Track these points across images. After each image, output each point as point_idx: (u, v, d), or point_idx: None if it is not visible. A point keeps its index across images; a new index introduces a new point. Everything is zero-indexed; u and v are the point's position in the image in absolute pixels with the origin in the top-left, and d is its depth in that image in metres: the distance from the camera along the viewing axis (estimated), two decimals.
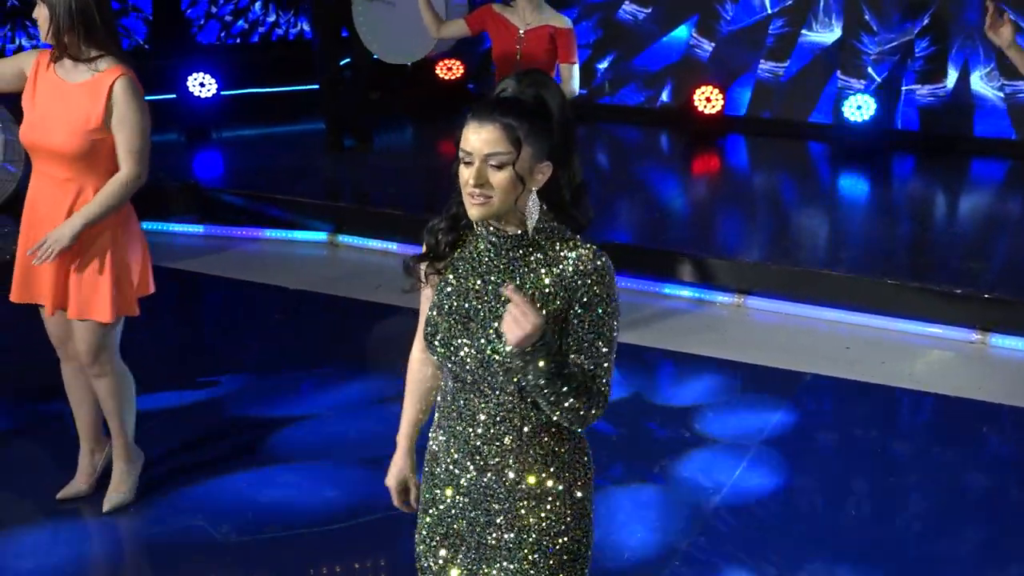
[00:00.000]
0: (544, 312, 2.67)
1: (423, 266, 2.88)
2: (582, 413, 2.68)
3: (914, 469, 5.35)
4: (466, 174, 2.67)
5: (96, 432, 4.99)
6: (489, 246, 2.77)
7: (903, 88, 9.48)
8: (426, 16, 6.49)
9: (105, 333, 4.65)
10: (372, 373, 6.13)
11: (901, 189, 9.10)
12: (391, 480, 3.11)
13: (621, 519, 4.90)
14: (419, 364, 3.07)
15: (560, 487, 2.81)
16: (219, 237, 8.21)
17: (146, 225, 7.92)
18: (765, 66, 9.88)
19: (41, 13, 4.39)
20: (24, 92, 4.47)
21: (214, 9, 10.49)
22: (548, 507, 2.81)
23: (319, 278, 7.41)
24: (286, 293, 7.22)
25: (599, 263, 2.70)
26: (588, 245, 2.73)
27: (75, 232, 4.38)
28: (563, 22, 6.19)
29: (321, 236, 7.99)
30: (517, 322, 2.52)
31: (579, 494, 2.84)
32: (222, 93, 9.85)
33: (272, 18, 10.71)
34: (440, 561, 2.92)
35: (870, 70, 9.48)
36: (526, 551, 2.82)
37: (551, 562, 2.82)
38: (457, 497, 2.86)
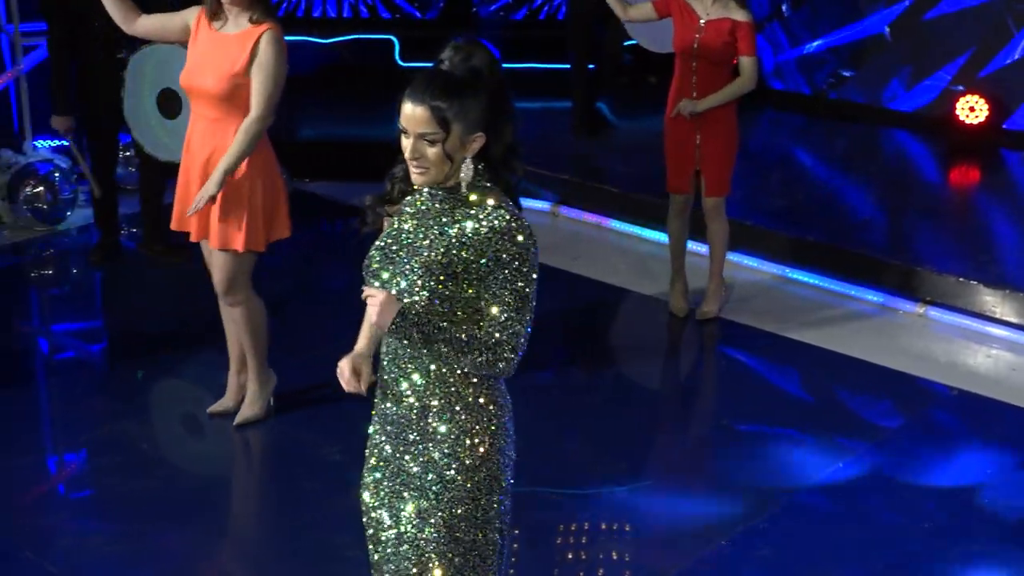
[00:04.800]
0: (454, 258, 3.01)
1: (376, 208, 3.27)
2: (480, 365, 3.02)
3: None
4: (404, 145, 3.05)
5: (243, 355, 5.58)
6: (427, 196, 3.14)
7: None
8: (612, 3, 6.59)
9: (240, 264, 5.24)
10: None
11: None
12: (343, 361, 3.25)
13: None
14: None
15: (460, 431, 3.11)
16: None
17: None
18: None
19: None
20: (189, 43, 5.11)
21: None
22: (449, 448, 3.11)
23: None
24: None
25: (513, 225, 3.01)
26: (511, 209, 3.04)
27: (218, 183, 4.96)
28: (744, 15, 6.25)
29: (545, 205, 8.48)
30: (373, 308, 3.01)
31: (478, 440, 3.12)
32: None
33: None
34: (372, 482, 3.28)
35: None
36: (433, 488, 3.13)
37: (449, 500, 3.11)
38: (385, 426, 3.24)
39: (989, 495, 5.26)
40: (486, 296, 3.04)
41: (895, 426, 5.82)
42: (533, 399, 5.80)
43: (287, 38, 5.11)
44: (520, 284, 3.02)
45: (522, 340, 3.05)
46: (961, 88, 9.62)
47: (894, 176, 9.15)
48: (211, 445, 5.62)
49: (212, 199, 4.98)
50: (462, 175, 3.05)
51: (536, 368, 6.00)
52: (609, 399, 6.07)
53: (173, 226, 5.34)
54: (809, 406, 6.05)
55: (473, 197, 3.07)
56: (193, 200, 5.13)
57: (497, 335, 3.03)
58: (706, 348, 6.84)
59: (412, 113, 3.00)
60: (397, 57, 10.73)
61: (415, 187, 3.16)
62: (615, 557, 4.78)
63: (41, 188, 7.75)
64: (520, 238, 3.01)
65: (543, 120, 9.68)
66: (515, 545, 4.69)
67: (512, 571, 4.58)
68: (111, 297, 7.34)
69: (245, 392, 5.61)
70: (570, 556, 4.80)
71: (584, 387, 6.15)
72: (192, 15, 5.12)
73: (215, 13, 5.03)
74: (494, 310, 3.03)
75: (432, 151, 3.00)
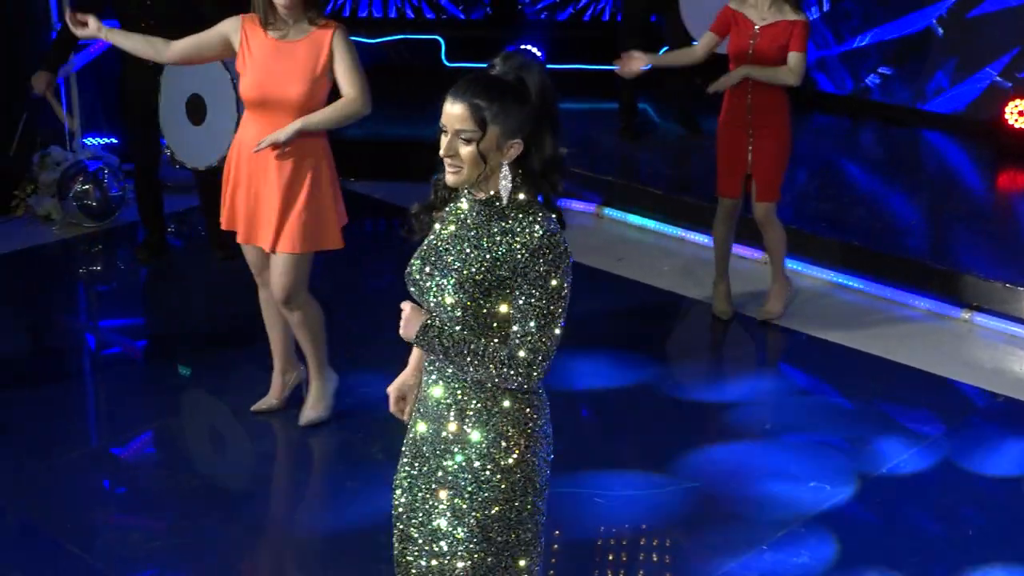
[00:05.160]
0: (487, 274, 3.02)
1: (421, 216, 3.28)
2: (496, 378, 3.04)
3: None
4: (441, 142, 3.07)
5: (287, 353, 5.61)
6: (466, 207, 3.14)
7: None
8: (679, 62, 6.86)
9: (303, 269, 5.23)
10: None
11: None
12: (391, 387, 3.45)
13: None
14: None
15: (496, 433, 3.12)
16: None
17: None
18: None
19: None
20: (238, 57, 5.07)
21: None
22: (485, 450, 3.13)
23: (577, 246, 7.86)
24: None
25: (546, 243, 3.00)
26: (547, 225, 3.03)
27: (290, 136, 4.96)
28: (799, 15, 6.25)
29: (589, 207, 8.45)
30: (402, 320, 3.08)
31: (514, 443, 3.12)
32: None
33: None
34: (407, 479, 3.30)
35: None
36: (468, 488, 3.14)
37: (483, 501, 3.13)
38: (426, 424, 3.24)
39: None
40: (511, 311, 3.04)
41: (939, 433, 5.77)
42: (576, 400, 5.85)
43: None
44: (544, 302, 3.01)
45: (541, 358, 3.03)
46: (1009, 85, 9.52)
47: (941, 180, 9.08)
48: (254, 442, 5.66)
49: (275, 145, 4.98)
50: (501, 184, 3.06)
51: (579, 369, 6.03)
52: (652, 401, 6.06)
53: (240, 239, 5.31)
54: (852, 411, 6.01)
55: (511, 210, 3.07)
56: (262, 215, 5.15)
57: (515, 351, 3.03)
58: (751, 352, 6.82)
59: (451, 109, 3.02)
60: (443, 57, 10.77)
61: (452, 187, 3.16)
62: (655, 559, 4.78)
63: (90, 185, 7.82)
64: (551, 257, 3.00)
65: (587, 121, 9.67)
66: (555, 546, 4.70)
67: (552, 572, 4.59)
68: (157, 294, 7.42)
69: (287, 390, 5.66)
70: (611, 557, 4.80)
71: (627, 389, 6.13)
72: (232, 28, 5.08)
73: (269, 22, 5.03)
74: (515, 327, 3.04)
75: (466, 150, 3.01)
